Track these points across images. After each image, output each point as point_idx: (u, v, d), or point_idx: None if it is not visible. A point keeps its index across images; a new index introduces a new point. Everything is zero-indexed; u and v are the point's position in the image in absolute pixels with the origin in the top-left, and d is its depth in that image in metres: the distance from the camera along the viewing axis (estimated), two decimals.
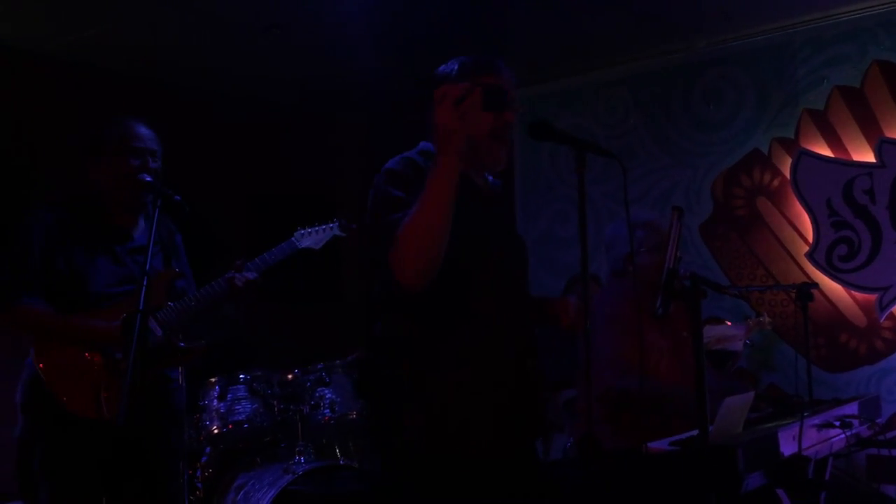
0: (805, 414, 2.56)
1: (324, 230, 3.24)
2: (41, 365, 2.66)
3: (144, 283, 2.34)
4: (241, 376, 3.98)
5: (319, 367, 4.08)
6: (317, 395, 4.01)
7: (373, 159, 2.21)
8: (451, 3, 4.49)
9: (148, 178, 2.71)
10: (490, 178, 2.34)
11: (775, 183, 5.03)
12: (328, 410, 3.99)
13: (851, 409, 3.03)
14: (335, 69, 5.45)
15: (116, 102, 3.16)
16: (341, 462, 3.97)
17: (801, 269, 4.90)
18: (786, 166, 4.98)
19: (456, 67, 2.19)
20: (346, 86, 5.75)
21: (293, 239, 3.16)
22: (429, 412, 2.03)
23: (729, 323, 4.60)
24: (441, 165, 1.97)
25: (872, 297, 4.70)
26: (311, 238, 3.21)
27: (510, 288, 2.19)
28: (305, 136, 6.25)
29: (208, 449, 4.01)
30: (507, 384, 2.10)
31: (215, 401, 3.91)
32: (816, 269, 4.85)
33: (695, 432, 2.30)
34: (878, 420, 3.16)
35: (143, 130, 2.83)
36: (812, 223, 4.88)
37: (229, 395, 3.91)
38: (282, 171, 5.97)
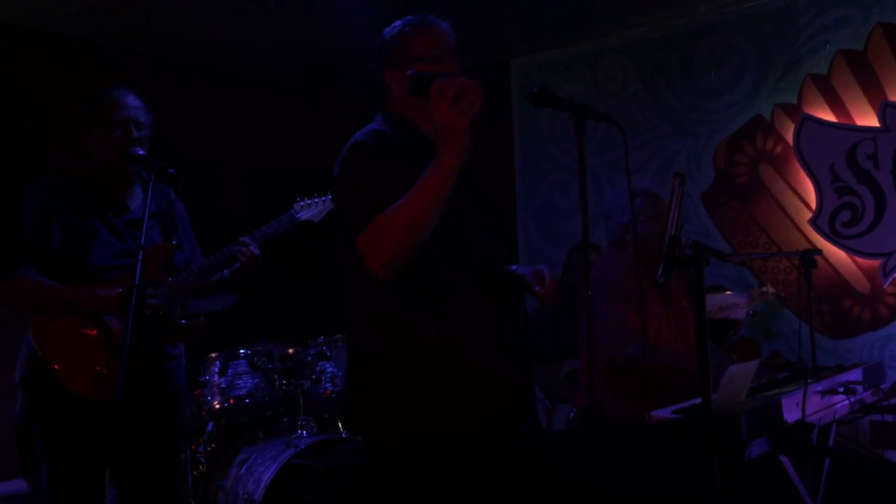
0: (809, 381, 2.55)
1: (323, 202, 3.16)
2: (39, 342, 2.65)
3: (140, 257, 2.33)
4: (242, 351, 3.97)
5: (320, 340, 4.07)
6: (318, 369, 4.00)
7: None
8: None
9: (141, 152, 2.67)
10: None
11: (778, 149, 4.98)
12: (329, 384, 3.98)
13: (855, 375, 3.02)
14: (332, 42, 5.38)
15: (113, 76, 3.10)
16: (343, 435, 3.97)
17: (805, 235, 4.87)
18: (789, 132, 4.92)
19: (399, 27, 2.20)
20: (344, 58, 5.67)
21: (292, 211, 3.09)
22: (413, 389, 1.99)
23: (730, 292, 4.58)
24: (443, 163, 1.88)
25: (876, 262, 4.67)
26: (310, 210, 3.14)
27: (484, 260, 2.14)
28: (303, 109, 6.19)
29: (210, 424, 4.01)
30: (489, 357, 2.06)
31: (216, 376, 3.90)
32: (820, 235, 4.81)
33: (698, 400, 2.29)
34: (882, 386, 3.16)
35: (128, 99, 2.76)
36: (815, 189, 4.84)
37: (230, 370, 3.91)
38: (279, 144, 5.92)
